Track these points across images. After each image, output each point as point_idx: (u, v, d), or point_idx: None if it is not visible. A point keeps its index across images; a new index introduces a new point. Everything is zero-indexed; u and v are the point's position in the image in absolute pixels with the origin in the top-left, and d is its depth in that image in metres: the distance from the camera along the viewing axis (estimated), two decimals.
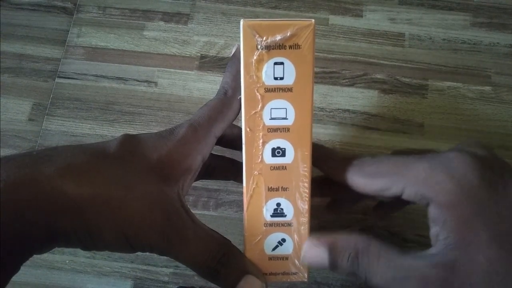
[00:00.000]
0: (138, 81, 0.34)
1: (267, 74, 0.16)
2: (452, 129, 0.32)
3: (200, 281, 0.28)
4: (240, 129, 0.17)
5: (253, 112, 0.16)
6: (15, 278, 0.14)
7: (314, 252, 0.16)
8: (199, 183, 0.30)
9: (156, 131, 0.17)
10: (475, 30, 0.34)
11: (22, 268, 0.14)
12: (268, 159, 0.17)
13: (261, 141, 0.16)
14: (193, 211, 0.30)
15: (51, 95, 0.33)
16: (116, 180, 0.14)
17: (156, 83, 0.33)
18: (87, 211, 0.13)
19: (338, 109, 0.32)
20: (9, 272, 0.14)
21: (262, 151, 0.16)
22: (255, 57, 0.15)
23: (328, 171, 0.18)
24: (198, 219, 0.16)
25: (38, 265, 0.29)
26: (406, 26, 0.35)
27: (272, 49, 0.15)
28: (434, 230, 0.16)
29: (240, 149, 0.17)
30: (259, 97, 0.16)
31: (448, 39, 0.34)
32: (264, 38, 0.15)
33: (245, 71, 0.16)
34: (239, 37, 0.15)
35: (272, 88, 0.16)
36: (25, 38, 0.35)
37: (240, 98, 0.16)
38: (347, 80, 0.33)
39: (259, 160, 0.17)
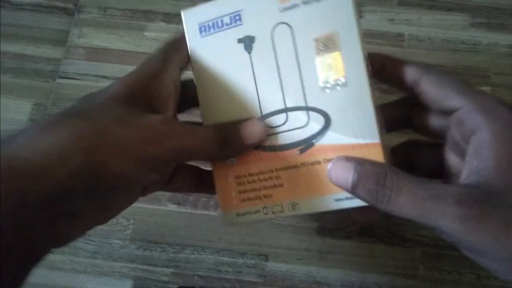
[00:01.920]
0: None
1: None
2: None
3: (200, 281, 0.29)
4: None
5: None
6: None
7: (340, 167, 0.16)
8: None
9: None
10: (474, 31, 0.35)
11: None
12: None
13: None
14: (193, 211, 0.30)
15: (52, 95, 0.33)
16: (84, 116, 0.14)
17: None
18: (65, 157, 0.13)
19: None
20: (24, 269, 0.13)
21: None
22: None
23: (399, 71, 0.18)
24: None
25: (38, 264, 0.29)
26: (405, 27, 0.35)
27: None
28: (469, 165, 0.15)
29: None
30: None
31: (447, 39, 0.34)
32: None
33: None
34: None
35: None
36: (26, 39, 0.35)
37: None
38: None
39: None
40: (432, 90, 0.17)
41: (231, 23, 0.19)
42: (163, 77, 0.17)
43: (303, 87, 0.18)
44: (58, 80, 0.34)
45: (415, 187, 0.14)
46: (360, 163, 0.15)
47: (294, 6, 0.17)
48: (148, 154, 0.15)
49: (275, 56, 0.18)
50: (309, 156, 0.18)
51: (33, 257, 0.14)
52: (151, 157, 0.15)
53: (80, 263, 0.29)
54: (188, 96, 0.20)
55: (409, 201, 0.14)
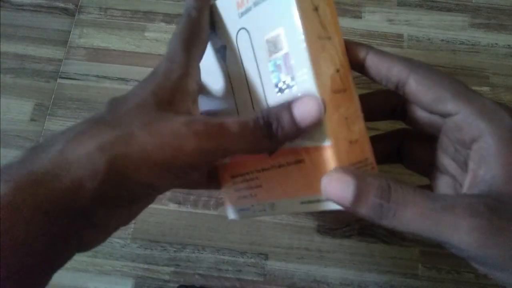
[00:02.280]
0: (140, 81, 0.34)
1: None
2: None
3: (201, 280, 0.29)
4: None
5: None
6: None
7: (338, 181, 0.14)
8: None
9: None
10: (473, 31, 0.35)
11: None
12: None
13: None
14: (194, 210, 0.30)
15: (53, 96, 0.34)
16: (116, 124, 0.14)
17: None
18: (101, 166, 0.13)
19: None
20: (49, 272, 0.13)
21: None
22: None
23: (384, 67, 0.16)
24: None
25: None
26: (404, 27, 0.35)
27: None
28: (474, 173, 0.14)
29: None
30: None
31: (446, 40, 0.35)
32: None
33: None
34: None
35: None
36: (27, 39, 0.35)
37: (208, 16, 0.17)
38: None
39: None
40: (422, 92, 0.15)
41: (211, 33, 0.19)
42: (189, 81, 0.16)
43: (263, 90, 0.17)
44: (59, 80, 0.34)
45: (422, 199, 0.13)
46: (359, 177, 0.14)
47: (248, 9, 0.17)
48: (174, 162, 0.14)
49: (242, 62, 0.18)
50: (276, 158, 0.17)
51: (57, 263, 0.14)
52: (178, 164, 0.14)
53: (81, 262, 0.29)
54: None
55: (417, 214, 0.13)
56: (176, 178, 0.14)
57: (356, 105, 0.17)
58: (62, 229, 0.13)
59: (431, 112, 0.16)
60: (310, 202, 0.17)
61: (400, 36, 0.35)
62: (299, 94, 0.16)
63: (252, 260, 0.29)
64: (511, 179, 0.14)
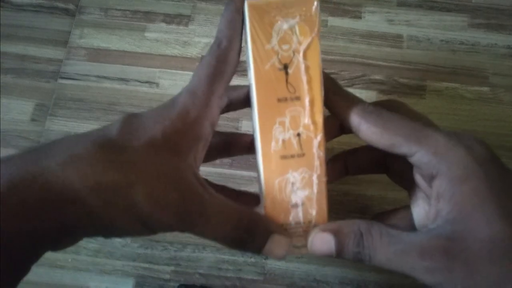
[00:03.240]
0: (140, 82, 0.34)
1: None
2: (450, 129, 0.32)
3: (201, 279, 0.29)
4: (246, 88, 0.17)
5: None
6: None
7: (321, 239, 0.16)
8: None
9: None
10: (473, 31, 0.35)
11: None
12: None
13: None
14: None
15: (54, 96, 0.34)
16: (119, 165, 0.14)
17: (157, 84, 0.34)
18: (91, 200, 0.13)
19: None
20: (20, 273, 0.14)
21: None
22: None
23: (340, 111, 0.17)
24: (213, 190, 0.16)
25: (41, 263, 0.29)
26: (404, 28, 0.35)
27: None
28: (435, 208, 0.15)
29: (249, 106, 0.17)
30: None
31: (446, 40, 0.35)
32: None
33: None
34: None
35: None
36: (28, 39, 0.35)
37: (236, 48, 0.16)
38: (346, 81, 0.34)
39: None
40: (376, 139, 0.16)
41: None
42: (204, 125, 0.16)
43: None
44: (60, 81, 0.34)
45: (388, 242, 0.15)
46: (337, 231, 0.16)
47: None
48: (151, 221, 0.14)
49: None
50: None
51: (33, 254, 0.14)
52: (151, 223, 0.14)
53: (82, 261, 0.29)
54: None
55: (385, 257, 0.15)
56: (152, 231, 0.15)
57: (317, 170, 0.16)
58: (41, 225, 0.13)
59: (392, 154, 0.17)
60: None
61: (399, 36, 0.35)
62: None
63: (252, 259, 0.29)
64: (462, 218, 0.14)
